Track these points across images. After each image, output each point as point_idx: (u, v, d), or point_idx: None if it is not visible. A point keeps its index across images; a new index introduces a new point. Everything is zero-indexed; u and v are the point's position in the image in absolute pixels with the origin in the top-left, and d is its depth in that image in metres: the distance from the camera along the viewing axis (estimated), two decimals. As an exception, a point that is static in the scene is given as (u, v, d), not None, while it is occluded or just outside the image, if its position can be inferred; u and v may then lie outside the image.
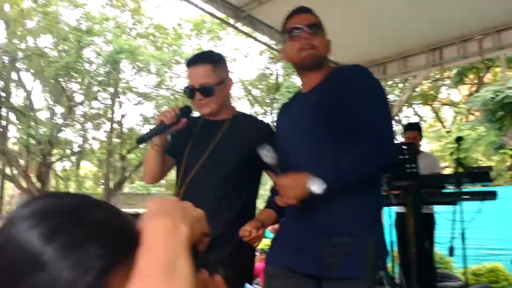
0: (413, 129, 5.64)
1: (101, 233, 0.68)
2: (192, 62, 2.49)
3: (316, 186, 1.83)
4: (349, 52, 8.33)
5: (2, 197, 24.80)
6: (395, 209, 4.91)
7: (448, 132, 13.96)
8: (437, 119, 21.63)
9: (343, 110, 1.98)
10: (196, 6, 6.96)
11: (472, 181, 4.17)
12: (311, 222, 2.01)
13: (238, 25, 7.04)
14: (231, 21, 7.04)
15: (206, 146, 2.47)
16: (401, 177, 4.25)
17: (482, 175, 4.16)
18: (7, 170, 19.41)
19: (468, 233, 4.53)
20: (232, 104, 2.69)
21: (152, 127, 2.43)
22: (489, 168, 4.44)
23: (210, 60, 2.48)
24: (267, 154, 2.03)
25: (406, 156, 4.21)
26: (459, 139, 4.07)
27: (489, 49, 7.02)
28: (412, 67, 7.90)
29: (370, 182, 2.04)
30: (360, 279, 1.88)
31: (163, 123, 2.33)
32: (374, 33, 7.28)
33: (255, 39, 7.41)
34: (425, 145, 20.11)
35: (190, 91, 2.46)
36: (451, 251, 4.08)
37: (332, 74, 2.19)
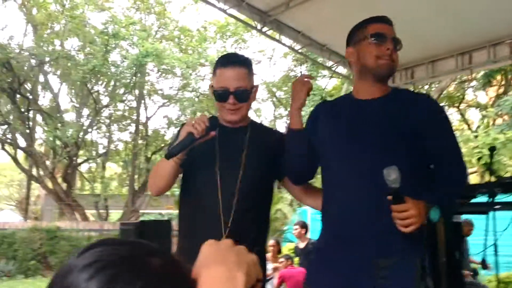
0: None
1: (159, 282, 0.66)
2: (229, 63, 2.31)
3: (435, 215, 1.88)
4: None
5: (29, 198, 25.22)
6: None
7: (475, 136, 13.73)
8: (464, 121, 21.32)
9: (411, 130, 2.03)
10: (223, 11, 6.98)
11: (504, 191, 4.08)
12: (360, 246, 1.98)
13: (265, 29, 7.04)
14: (258, 25, 7.04)
15: (237, 158, 2.31)
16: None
17: (516, 185, 4.07)
18: (34, 171, 19.70)
19: (499, 239, 4.42)
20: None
21: (176, 136, 2.32)
22: (523, 178, 4.34)
23: (247, 63, 2.36)
24: (393, 177, 1.78)
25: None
26: (492, 149, 3.96)
27: (519, 52, 6.91)
28: (441, 71, 7.81)
29: None
30: None
31: (193, 135, 2.14)
32: (402, 38, 7.23)
33: (280, 42, 7.39)
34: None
35: (223, 94, 2.28)
36: (483, 264, 3.99)
37: (393, 92, 2.20)
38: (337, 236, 2.06)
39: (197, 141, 2.17)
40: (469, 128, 19.78)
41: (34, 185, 23.38)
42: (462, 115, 21.10)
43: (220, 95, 2.29)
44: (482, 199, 4.26)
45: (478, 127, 14.10)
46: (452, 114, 22.55)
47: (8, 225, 15.66)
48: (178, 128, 2.43)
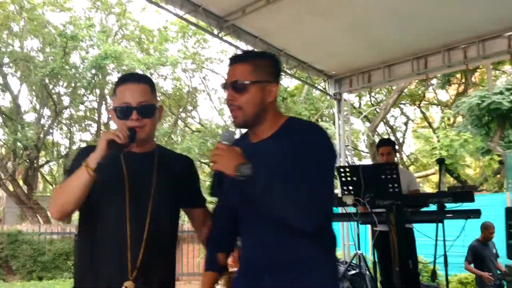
0: (387, 144, 5.60)
1: None
2: (130, 79, 2.19)
3: (245, 170, 1.79)
4: (334, 61, 8.36)
5: (-9, 200, 24.62)
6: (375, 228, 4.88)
7: (436, 134, 13.94)
8: (424, 119, 21.69)
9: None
10: (180, 17, 6.91)
11: (454, 201, 4.14)
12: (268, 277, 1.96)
13: (222, 34, 7.02)
14: (215, 30, 7.00)
15: (146, 189, 2.14)
16: (384, 197, 4.24)
17: (465, 194, 4.13)
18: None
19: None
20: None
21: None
22: (473, 187, 4.43)
23: (149, 81, 2.24)
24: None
25: (389, 176, 4.20)
26: (441, 162, 4.02)
27: (474, 58, 7.04)
28: (397, 75, 7.92)
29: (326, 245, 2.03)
30: None
31: (116, 143, 1.99)
32: (358, 42, 7.29)
33: (237, 47, 7.37)
34: (412, 146, 20.22)
35: (126, 110, 2.12)
36: (433, 275, 4.05)
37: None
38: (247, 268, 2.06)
39: (123, 151, 2.05)
40: (430, 126, 20.13)
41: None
42: (423, 113, 21.46)
43: (123, 111, 2.12)
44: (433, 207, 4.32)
45: (438, 128, 14.34)
46: (414, 112, 22.95)
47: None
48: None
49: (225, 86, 2.03)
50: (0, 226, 15.60)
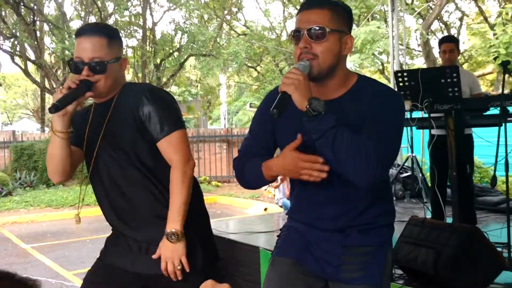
0: (450, 41, 5.27)
1: None
2: (83, 32, 2.17)
3: (318, 105, 1.68)
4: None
5: (44, 107, 25.46)
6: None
7: (493, 31, 13.16)
8: (480, 13, 20.55)
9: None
10: None
11: (518, 103, 3.96)
12: (334, 234, 1.94)
13: None
14: None
15: (98, 135, 2.26)
16: (443, 101, 4.09)
17: (529, 97, 3.94)
18: (46, 83, 19.70)
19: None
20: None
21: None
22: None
23: (106, 33, 2.19)
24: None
25: (449, 80, 4.02)
26: (505, 64, 3.77)
27: None
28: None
29: (386, 193, 2.02)
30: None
31: (71, 88, 2.08)
32: None
33: None
34: (467, 43, 19.35)
35: (77, 65, 2.16)
36: (493, 180, 3.96)
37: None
38: (308, 224, 2.01)
39: (77, 98, 2.10)
40: (487, 21, 19.11)
41: (49, 94, 23.47)
42: (479, 7, 20.31)
43: (75, 66, 2.16)
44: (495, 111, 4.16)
45: (495, 23, 13.50)
46: (470, 8, 21.77)
47: (26, 138, 15.94)
48: None
49: (296, 33, 1.83)
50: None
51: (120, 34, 2.35)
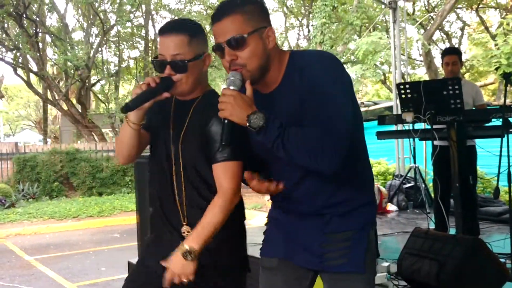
0: (452, 53, 5.29)
1: None
2: (166, 30, 2.15)
3: (257, 121, 1.69)
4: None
5: (47, 119, 25.58)
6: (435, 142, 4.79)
7: (495, 41, 13.17)
8: (482, 23, 20.62)
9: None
10: None
11: (520, 115, 3.98)
12: (314, 220, 1.93)
13: None
14: None
15: (178, 134, 2.23)
16: (446, 112, 4.12)
17: (532, 108, 3.96)
18: (48, 94, 19.78)
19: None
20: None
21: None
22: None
23: (188, 30, 2.15)
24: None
25: (451, 92, 4.05)
26: (507, 76, 3.79)
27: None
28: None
29: (357, 170, 1.95)
30: (365, 273, 1.90)
31: (149, 86, 2.07)
32: None
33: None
34: (468, 52, 19.39)
35: (160, 64, 2.16)
36: (496, 192, 3.97)
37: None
38: (289, 211, 2.01)
39: (154, 98, 2.09)
40: (488, 31, 19.18)
41: (51, 106, 23.58)
42: (480, 17, 20.40)
43: (157, 64, 2.16)
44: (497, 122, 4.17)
45: (496, 35, 13.53)
46: (471, 18, 21.84)
47: (28, 149, 15.99)
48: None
49: (218, 48, 1.81)
50: (58, 146, 16.26)
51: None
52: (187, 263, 2.05)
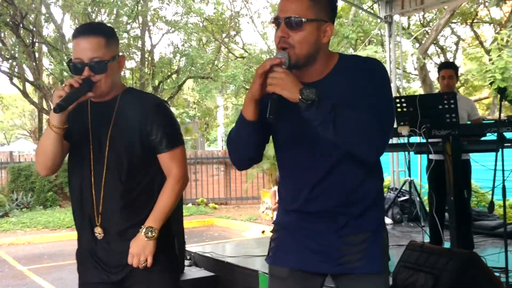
0: (449, 67, 5.32)
1: None
2: (82, 33, 2.17)
3: (310, 94, 1.70)
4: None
5: (42, 128, 25.48)
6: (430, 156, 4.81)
7: (489, 56, 13.26)
8: (476, 38, 20.78)
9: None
10: None
11: (514, 129, 4.01)
12: (329, 224, 1.93)
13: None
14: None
15: (104, 136, 2.25)
16: (441, 126, 4.15)
17: (526, 123, 4.00)
18: (44, 103, 19.75)
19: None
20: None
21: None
22: (533, 115, 4.25)
23: (103, 32, 2.21)
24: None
25: (446, 106, 4.09)
26: (502, 91, 3.84)
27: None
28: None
29: (377, 175, 1.99)
30: (384, 273, 1.95)
31: (73, 87, 2.07)
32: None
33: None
34: (462, 67, 19.52)
35: (78, 66, 2.16)
36: (490, 206, 3.99)
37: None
38: (300, 213, 1.99)
39: (79, 98, 2.10)
40: (482, 45, 19.32)
41: (46, 115, 23.52)
42: (475, 32, 20.56)
43: (75, 67, 2.16)
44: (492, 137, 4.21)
45: (490, 50, 13.64)
46: (465, 32, 22.01)
47: (23, 158, 15.93)
48: None
49: (277, 21, 1.86)
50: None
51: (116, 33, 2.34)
52: (147, 242, 2.20)
